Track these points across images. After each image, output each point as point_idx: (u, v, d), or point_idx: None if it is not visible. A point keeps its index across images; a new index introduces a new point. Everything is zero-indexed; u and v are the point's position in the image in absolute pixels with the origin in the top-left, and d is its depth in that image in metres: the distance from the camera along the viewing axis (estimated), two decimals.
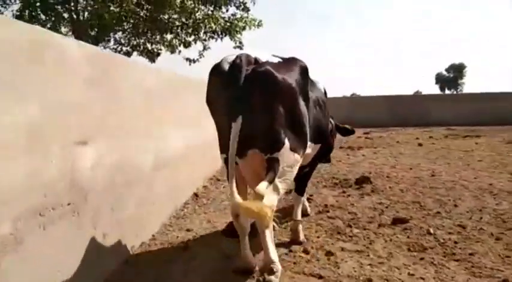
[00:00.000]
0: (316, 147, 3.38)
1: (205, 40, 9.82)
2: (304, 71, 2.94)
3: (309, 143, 2.98)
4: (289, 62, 2.92)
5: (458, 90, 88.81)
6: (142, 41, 9.99)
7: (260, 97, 2.55)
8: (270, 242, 2.79)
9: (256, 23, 9.55)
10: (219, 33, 9.48)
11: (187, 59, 9.88)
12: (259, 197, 2.38)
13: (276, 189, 2.55)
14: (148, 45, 10.23)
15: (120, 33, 9.96)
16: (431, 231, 3.95)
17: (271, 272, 2.72)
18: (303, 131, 2.83)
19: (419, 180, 6.33)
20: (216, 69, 2.78)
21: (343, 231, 4.04)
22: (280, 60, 2.90)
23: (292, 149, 2.69)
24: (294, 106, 2.73)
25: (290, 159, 2.69)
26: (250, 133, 2.50)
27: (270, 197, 2.45)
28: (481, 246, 3.55)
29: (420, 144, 11.10)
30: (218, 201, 5.29)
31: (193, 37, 9.83)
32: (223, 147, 2.71)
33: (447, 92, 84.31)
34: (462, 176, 6.55)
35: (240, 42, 9.59)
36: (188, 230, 4.15)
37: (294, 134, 2.72)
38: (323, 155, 3.80)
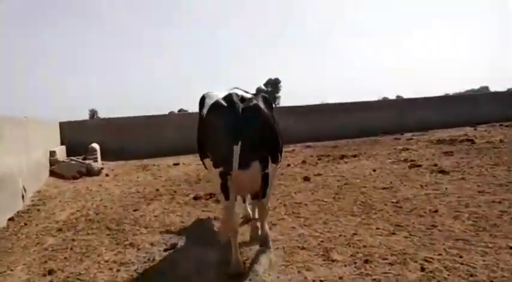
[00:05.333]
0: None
1: None
2: (270, 102, 3.93)
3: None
4: (261, 97, 3.85)
5: (276, 103, 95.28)
6: None
7: (254, 125, 3.36)
8: (266, 226, 4.04)
9: None
10: None
11: None
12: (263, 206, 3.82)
13: (268, 197, 3.85)
14: None
15: None
16: None
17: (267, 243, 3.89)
18: (279, 146, 3.83)
19: None
20: (215, 105, 3.57)
21: None
22: (251, 95, 3.97)
23: (274, 162, 3.67)
24: (273, 128, 3.67)
25: (274, 171, 3.78)
26: (251, 151, 3.30)
27: (266, 203, 3.85)
28: None
29: (307, 178, 7.61)
30: None
31: None
32: (220, 163, 3.40)
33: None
34: None
35: None
36: None
37: (276, 150, 3.72)
38: None
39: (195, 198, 6.57)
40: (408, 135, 15.69)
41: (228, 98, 3.49)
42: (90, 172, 10.43)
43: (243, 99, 3.56)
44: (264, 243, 3.92)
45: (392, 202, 5.46)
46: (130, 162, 12.76)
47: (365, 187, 6.53)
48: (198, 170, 10.09)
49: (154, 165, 11.55)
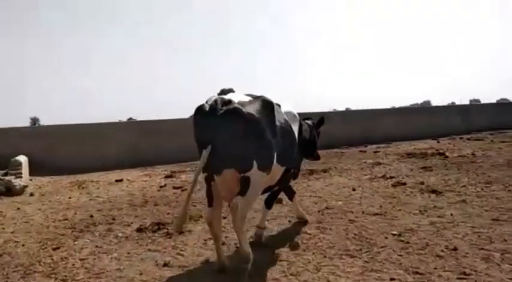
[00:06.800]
0: (282, 168, 3.90)
1: None
2: (267, 105, 3.60)
3: (275, 164, 3.63)
4: (255, 100, 3.58)
5: None
6: None
7: (231, 128, 3.20)
8: (243, 238, 3.37)
9: None
10: None
11: None
12: (235, 206, 3.27)
13: (247, 201, 3.35)
14: None
15: None
16: None
17: (246, 260, 3.35)
18: (269, 153, 3.51)
19: None
20: (199, 110, 3.39)
21: None
22: (251, 98, 3.59)
23: (260, 169, 3.37)
24: (260, 133, 3.37)
25: (258, 177, 3.38)
26: (224, 156, 3.20)
27: (242, 207, 3.29)
28: None
29: (279, 200, 6.36)
30: None
31: None
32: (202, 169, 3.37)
33: None
34: None
35: None
36: None
37: (262, 156, 3.40)
38: (290, 175, 4.43)
39: (139, 229, 5.09)
40: (373, 147, 15.01)
41: (210, 103, 3.36)
42: (11, 191, 8.55)
43: (229, 102, 3.33)
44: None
45: (394, 234, 4.33)
46: (65, 177, 10.88)
47: (351, 212, 5.38)
48: (144, 188, 8.53)
49: (92, 181, 9.80)
